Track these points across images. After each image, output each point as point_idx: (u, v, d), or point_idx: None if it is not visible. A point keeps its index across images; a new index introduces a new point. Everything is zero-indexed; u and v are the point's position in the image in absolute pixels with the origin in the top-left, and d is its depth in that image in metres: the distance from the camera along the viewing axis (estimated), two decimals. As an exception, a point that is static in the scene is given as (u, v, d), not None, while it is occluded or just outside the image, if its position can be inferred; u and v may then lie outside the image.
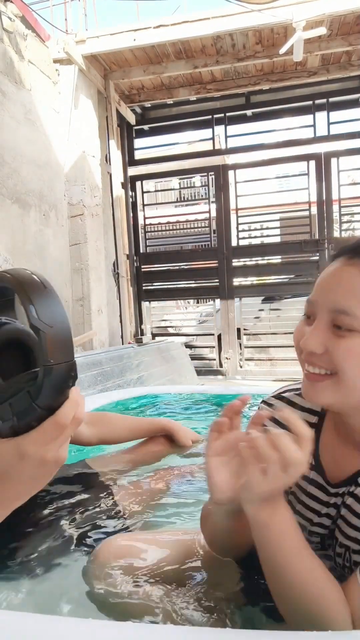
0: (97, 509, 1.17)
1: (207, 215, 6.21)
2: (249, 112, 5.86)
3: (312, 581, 0.60)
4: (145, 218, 6.34)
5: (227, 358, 5.89)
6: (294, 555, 0.61)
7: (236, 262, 5.73)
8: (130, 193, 5.99)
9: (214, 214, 5.97)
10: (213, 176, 5.93)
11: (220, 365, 5.94)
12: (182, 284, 6.22)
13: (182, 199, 11.38)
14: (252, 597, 0.81)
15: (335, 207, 5.64)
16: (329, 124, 5.56)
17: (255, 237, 7.63)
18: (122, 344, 5.40)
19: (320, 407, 0.75)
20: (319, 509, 0.73)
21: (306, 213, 5.79)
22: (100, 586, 0.83)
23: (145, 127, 6.22)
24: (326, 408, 0.71)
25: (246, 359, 5.93)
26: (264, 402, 0.82)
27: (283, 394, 0.80)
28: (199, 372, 5.29)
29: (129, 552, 0.89)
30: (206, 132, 6.07)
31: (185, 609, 0.79)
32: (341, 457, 0.71)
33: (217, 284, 5.84)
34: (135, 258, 6.03)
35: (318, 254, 5.55)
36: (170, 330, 6.71)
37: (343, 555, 0.69)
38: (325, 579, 0.62)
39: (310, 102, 5.62)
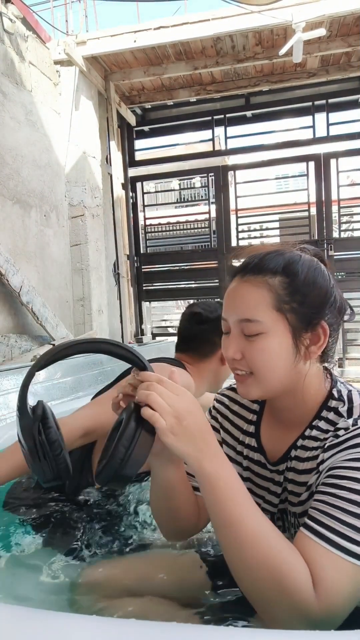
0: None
1: (207, 216, 6.22)
2: (248, 114, 5.88)
3: (266, 536, 0.62)
4: (145, 219, 6.35)
5: (227, 358, 5.89)
6: (246, 508, 0.64)
7: (236, 263, 5.72)
8: (130, 194, 6.01)
9: (214, 214, 5.99)
10: (213, 177, 5.95)
11: (220, 366, 5.94)
12: (182, 284, 6.23)
13: (182, 200, 11.39)
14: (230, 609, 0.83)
15: (335, 208, 5.65)
16: (328, 125, 5.58)
17: (255, 237, 7.64)
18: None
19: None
20: (266, 486, 0.83)
21: (305, 214, 5.80)
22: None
23: (146, 128, 6.23)
24: (257, 398, 0.84)
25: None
26: (219, 393, 0.97)
27: (233, 386, 0.92)
28: (199, 372, 5.29)
29: (108, 581, 0.92)
30: (206, 133, 6.08)
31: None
32: (276, 437, 0.83)
33: (217, 284, 5.86)
34: (135, 258, 6.04)
35: (318, 255, 5.56)
36: (171, 330, 6.73)
37: (295, 526, 0.77)
38: (279, 535, 0.64)
39: (310, 103, 5.64)
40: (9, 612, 0.63)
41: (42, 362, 0.69)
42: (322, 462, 0.72)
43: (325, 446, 0.73)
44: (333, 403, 0.77)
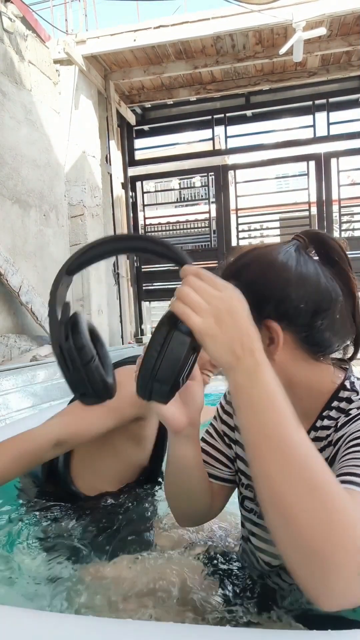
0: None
1: (207, 215, 6.22)
2: (248, 113, 5.87)
3: (318, 462, 0.52)
4: (145, 218, 6.35)
5: (227, 358, 5.89)
6: (289, 419, 0.54)
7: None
8: (130, 193, 6.00)
9: (214, 214, 5.98)
10: (213, 176, 5.94)
11: (220, 365, 5.94)
12: (182, 284, 6.22)
13: (182, 199, 11.38)
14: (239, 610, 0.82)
15: (335, 207, 5.64)
16: (328, 124, 5.57)
17: (255, 237, 7.63)
18: (123, 343, 5.41)
19: None
20: None
21: (306, 213, 5.80)
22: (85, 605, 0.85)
23: (146, 127, 6.23)
24: None
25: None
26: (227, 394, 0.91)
27: None
28: (199, 372, 5.28)
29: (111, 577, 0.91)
30: (206, 133, 6.08)
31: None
32: None
33: (217, 284, 5.85)
34: (135, 258, 6.03)
35: (318, 254, 5.55)
36: (170, 331, 6.72)
37: None
38: (323, 462, 0.53)
39: (310, 103, 5.63)
40: (9, 614, 0.62)
41: (71, 263, 0.62)
42: (336, 441, 0.70)
43: (338, 425, 0.71)
44: (345, 394, 0.75)
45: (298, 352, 0.72)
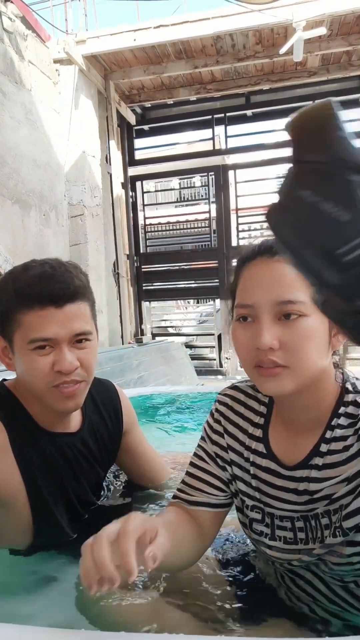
0: None
1: (207, 215, 6.22)
2: (249, 112, 5.87)
3: None
4: (145, 218, 6.35)
5: (227, 358, 5.89)
6: None
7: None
8: (130, 193, 6.00)
9: (214, 214, 5.98)
10: (213, 176, 5.94)
11: (221, 365, 5.94)
12: (182, 284, 6.23)
13: (182, 199, 11.39)
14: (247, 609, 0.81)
15: (335, 207, 5.64)
16: (328, 124, 5.56)
17: (255, 237, 7.62)
18: (122, 344, 5.40)
19: (268, 397, 0.81)
20: (279, 496, 0.75)
21: (306, 213, 5.79)
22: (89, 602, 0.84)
23: (146, 127, 6.23)
24: (288, 394, 0.72)
25: (246, 359, 5.93)
26: (220, 394, 0.88)
27: (237, 384, 0.87)
28: (199, 372, 5.29)
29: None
30: (206, 132, 6.08)
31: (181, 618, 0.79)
32: (290, 441, 0.75)
33: (217, 284, 5.85)
34: (135, 258, 6.03)
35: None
36: (170, 330, 6.72)
37: (329, 516, 0.70)
38: None
39: (311, 102, 5.62)
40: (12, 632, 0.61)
41: None
42: None
43: (359, 433, 0.68)
44: (350, 397, 0.72)
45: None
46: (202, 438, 0.85)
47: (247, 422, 0.81)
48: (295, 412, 0.74)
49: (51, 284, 0.86)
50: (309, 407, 0.72)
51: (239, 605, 0.83)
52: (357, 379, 0.75)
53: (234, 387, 0.87)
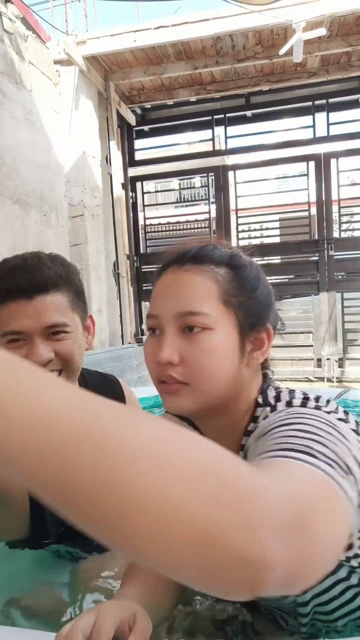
0: None
1: (207, 215, 6.22)
2: (248, 113, 5.88)
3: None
4: (145, 218, 6.35)
5: (227, 358, 5.89)
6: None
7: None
8: (130, 194, 6.00)
9: (213, 214, 5.98)
10: (213, 177, 5.94)
11: (220, 366, 5.94)
12: (182, 285, 6.22)
13: (182, 200, 11.39)
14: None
15: (335, 208, 5.65)
16: (328, 124, 5.58)
17: (255, 237, 7.63)
18: (123, 344, 5.41)
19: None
20: None
21: (306, 214, 5.80)
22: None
23: (146, 128, 6.23)
24: (190, 415, 0.67)
25: (246, 359, 5.93)
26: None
27: None
28: (199, 372, 5.29)
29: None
30: (206, 133, 6.08)
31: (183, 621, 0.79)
32: None
33: (217, 284, 5.86)
34: (135, 258, 6.04)
35: (317, 255, 5.56)
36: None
37: None
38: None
39: (310, 103, 5.64)
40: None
41: None
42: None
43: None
44: (258, 411, 0.65)
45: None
46: None
47: None
48: (213, 437, 0.65)
49: (19, 276, 0.85)
50: (227, 432, 0.65)
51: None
52: (274, 388, 0.69)
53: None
